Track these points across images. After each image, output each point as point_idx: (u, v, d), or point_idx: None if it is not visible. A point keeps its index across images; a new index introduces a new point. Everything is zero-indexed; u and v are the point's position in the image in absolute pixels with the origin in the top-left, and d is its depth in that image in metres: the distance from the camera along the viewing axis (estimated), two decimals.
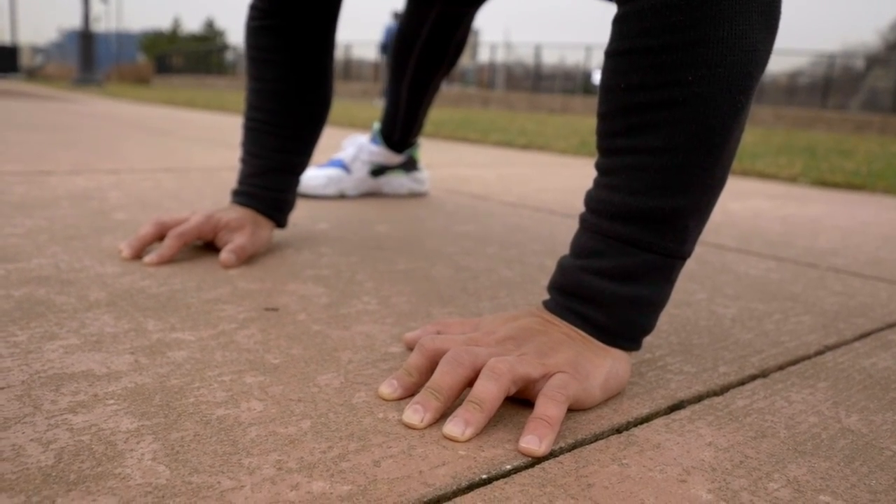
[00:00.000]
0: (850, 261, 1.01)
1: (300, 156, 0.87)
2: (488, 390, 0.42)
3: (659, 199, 0.46)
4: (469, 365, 0.44)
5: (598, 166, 0.50)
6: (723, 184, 0.48)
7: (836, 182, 2.20)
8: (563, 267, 0.51)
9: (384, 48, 9.86)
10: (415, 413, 0.42)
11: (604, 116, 0.49)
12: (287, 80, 0.84)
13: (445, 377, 0.44)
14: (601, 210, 0.49)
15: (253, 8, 0.85)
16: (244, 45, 0.87)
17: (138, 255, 0.75)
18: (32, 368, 0.47)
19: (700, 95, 0.44)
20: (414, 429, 0.42)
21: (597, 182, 0.50)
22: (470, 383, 0.44)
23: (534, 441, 0.40)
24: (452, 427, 0.41)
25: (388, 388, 0.46)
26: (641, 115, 0.46)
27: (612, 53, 0.48)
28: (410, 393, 0.46)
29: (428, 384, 0.44)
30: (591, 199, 0.50)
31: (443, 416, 0.43)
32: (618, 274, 0.48)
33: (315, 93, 0.86)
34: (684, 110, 0.45)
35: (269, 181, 0.84)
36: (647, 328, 0.50)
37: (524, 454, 0.40)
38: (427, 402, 0.43)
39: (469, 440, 0.41)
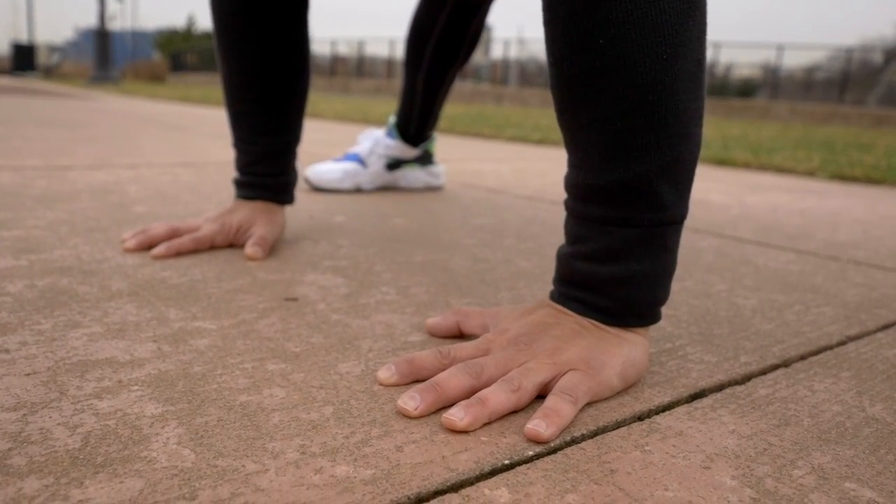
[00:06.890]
0: (870, 253, 1.00)
1: (291, 132, 0.85)
2: (498, 397, 0.42)
3: (615, 172, 0.45)
4: (475, 376, 0.44)
5: (564, 144, 0.49)
6: (689, 138, 0.45)
7: (855, 176, 2.18)
8: (559, 256, 0.51)
9: None
10: (411, 399, 0.42)
11: (552, 91, 0.48)
12: (262, 61, 0.79)
13: (451, 379, 0.44)
14: (574, 193, 0.49)
15: None
16: (213, 27, 0.81)
17: (142, 248, 0.75)
18: (57, 356, 0.47)
19: (616, 57, 0.42)
20: (407, 416, 0.42)
21: (567, 162, 0.49)
22: (473, 393, 0.44)
23: (541, 425, 0.40)
24: (454, 410, 0.41)
25: (385, 373, 0.46)
26: (572, 89, 0.45)
27: (543, 25, 0.46)
28: (406, 381, 0.46)
29: (433, 379, 0.44)
30: (566, 181, 0.49)
31: (437, 412, 0.43)
32: (603, 256, 0.47)
33: (293, 67, 0.82)
34: (606, 76, 0.43)
35: (269, 167, 0.83)
36: (652, 301, 0.48)
37: (529, 437, 0.40)
38: (426, 393, 0.42)
39: (465, 430, 0.40)
